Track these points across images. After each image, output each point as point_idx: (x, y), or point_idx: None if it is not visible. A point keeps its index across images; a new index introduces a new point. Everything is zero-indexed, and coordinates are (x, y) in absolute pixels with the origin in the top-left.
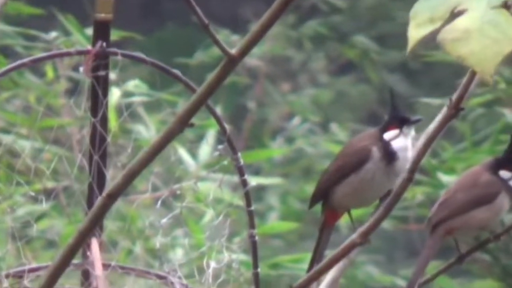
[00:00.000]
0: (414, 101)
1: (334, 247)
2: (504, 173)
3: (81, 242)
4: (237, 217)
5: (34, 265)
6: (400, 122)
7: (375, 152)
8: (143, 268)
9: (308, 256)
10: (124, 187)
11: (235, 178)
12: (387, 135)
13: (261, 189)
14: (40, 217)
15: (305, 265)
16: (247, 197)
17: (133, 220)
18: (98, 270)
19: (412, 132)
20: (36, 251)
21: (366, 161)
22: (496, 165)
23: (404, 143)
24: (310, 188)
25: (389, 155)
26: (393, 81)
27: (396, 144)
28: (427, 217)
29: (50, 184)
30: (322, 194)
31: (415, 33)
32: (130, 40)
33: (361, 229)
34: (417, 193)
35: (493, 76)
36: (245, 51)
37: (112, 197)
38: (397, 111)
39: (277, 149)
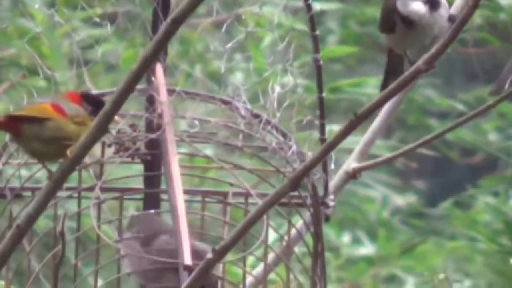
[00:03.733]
0: None
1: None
2: None
3: (145, 68)
4: (298, 42)
5: (96, 90)
6: None
7: (398, 19)
8: (208, 93)
9: (368, 80)
10: (189, 12)
11: (297, 3)
12: None
13: (321, 13)
14: (100, 41)
15: (365, 89)
16: (312, 21)
17: (194, 44)
18: (162, 96)
19: None
20: (97, 75)
21: (394, 26)
22: None
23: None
24: (369, 11)
25: (407, 24)
26: None
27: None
28: (485, 40)
29: (111, 9)
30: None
31: None
32: None
33: (426, 55)
34: (476, 17)
35: None
36: None
37: (177, 22)
38: None
39: None
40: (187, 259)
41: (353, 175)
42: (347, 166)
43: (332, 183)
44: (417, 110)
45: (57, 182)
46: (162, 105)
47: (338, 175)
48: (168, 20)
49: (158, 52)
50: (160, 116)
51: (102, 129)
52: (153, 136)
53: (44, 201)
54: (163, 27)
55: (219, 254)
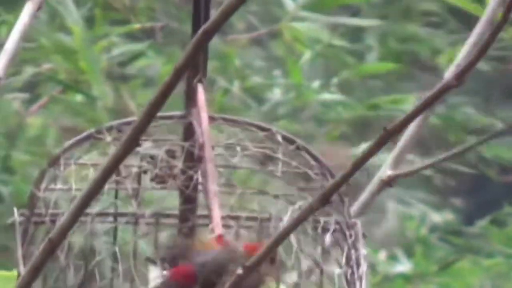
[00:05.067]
0: None
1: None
2: None
3: (177, 79)
4: (335, 57)
5: (135, 105)
6: None
7: None
8: (246, 120)
9: (407, 98)
10: (220, 23)
11: (333, 19)
12: None
13: (359, 29)
14: (137, 56)
15: (404, 107)
16: None
17: (231, 59)
18: (204, 122)
19: None
20: (135, 90)
21: None
22: None
23: None
24: (410, 28)
25: None
26: None
27: None
28: None
29: (148, 24)
30: None
31: None
32: None
33: (456, 71)
34: None
35: None
36: None
37: (208, 34)
38: None
39: None
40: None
41: (388, 183)
42: (382, 173)
43: (367, 189)
44: (457, 128)
45: (88, 197)
46: (203, 135)
47: (372, 183)
48: (199, 31)
49: (189, 62)
50: (201, 147)
51: (133, 141)
52: (194, 174)
53: (77, 213)
54: (194, 38)
55: (249, 270)
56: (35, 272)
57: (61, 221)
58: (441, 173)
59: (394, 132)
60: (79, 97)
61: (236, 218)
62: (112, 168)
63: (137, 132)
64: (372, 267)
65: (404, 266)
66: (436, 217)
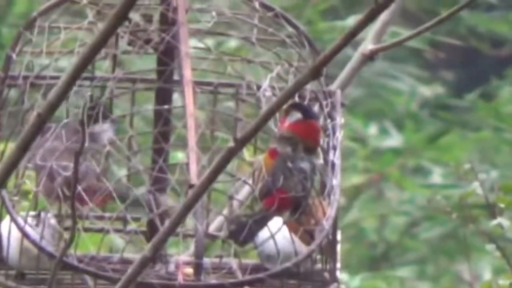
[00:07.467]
0: None
1: None
2: None
3: None
4: None
5: None
6: None
7: None
8: None
9: None
10: None
11: None
12: None
13: None
14: None
15: None
16: None
17: None
18: None
19: None
20: None
21: None
22: None
23: None
24: None
25: None
26: None
27: None
28: None
29: None
30: None
31: None
32: None
33: None
34: None
35: None
36: None
37: None
38: None
39: None
40: (194, 179)
41: (370, 57)
42: (363, 47)
43: (349, 65)
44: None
45: (76, 72)
46: None
47: (354, 57)
48: None
49: None
50: (175, 10)
51: (122, 16)
52: (166, 36)
53: (65, 89)
54: None
55: (241, 143)
56: (24, 146)
57: (49, 96)
58: (431, 46)
59: (385, 5)
60: None
61: (209, 84)
62: (101, 43)
63: (126, 8)
64: (363, 141)
65: (394, 140)
66: (426, 91)
